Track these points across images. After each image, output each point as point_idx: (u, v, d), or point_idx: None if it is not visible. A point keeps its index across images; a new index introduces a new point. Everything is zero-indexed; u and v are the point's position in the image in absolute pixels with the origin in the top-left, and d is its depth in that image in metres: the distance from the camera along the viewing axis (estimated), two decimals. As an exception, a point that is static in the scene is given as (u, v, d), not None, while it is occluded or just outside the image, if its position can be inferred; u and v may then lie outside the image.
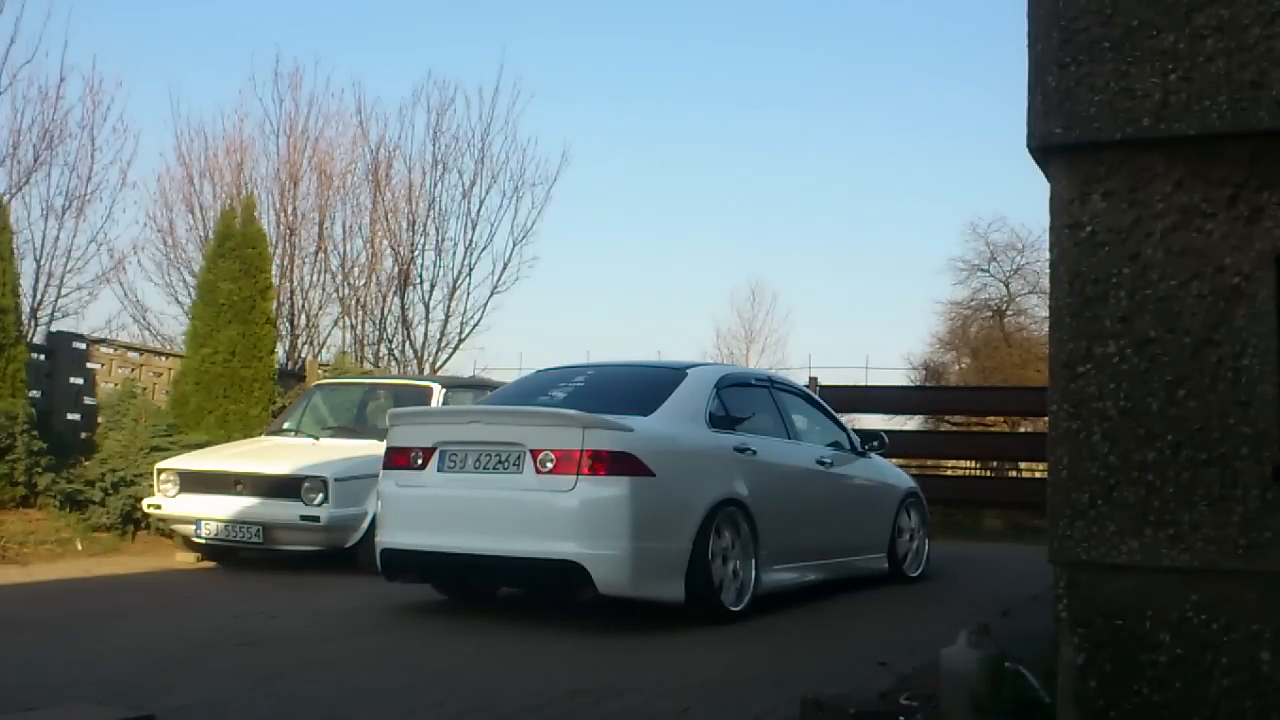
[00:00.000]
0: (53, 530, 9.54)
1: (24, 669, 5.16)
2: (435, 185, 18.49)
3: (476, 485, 6.33)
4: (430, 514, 6.46)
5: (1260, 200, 2.81)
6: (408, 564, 6.66)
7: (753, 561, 6.72)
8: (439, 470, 6.49)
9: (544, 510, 6.10)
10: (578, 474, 6.04)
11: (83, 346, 11.69)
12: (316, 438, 9.58)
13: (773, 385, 7.99)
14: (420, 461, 6.54)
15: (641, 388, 6.97)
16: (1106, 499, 2.89)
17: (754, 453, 6.95)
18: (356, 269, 18.17)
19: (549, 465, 6.13)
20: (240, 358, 11.75)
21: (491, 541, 6.19)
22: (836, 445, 8.14)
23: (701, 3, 50.84)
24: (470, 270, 18.51)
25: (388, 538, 6.63)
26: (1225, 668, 2.79)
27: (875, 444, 8.49)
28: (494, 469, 6.31)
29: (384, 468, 6.78)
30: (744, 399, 7.40)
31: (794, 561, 7.21)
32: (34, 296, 14.02)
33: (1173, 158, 2.87)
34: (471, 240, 18.55)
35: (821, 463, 7.77)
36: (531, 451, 6.17)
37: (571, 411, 6.31)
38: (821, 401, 8.62)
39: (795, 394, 8.30)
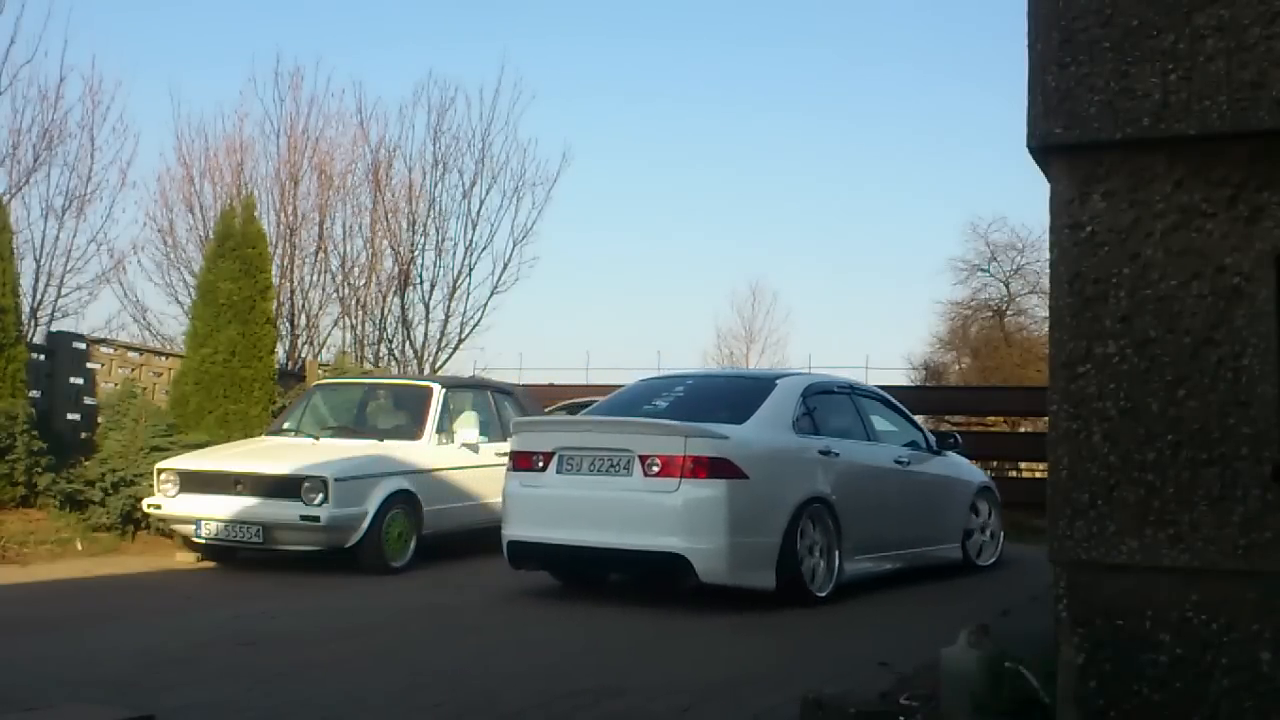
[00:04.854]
0: (53, 530, 9.53)
1: (24, 669, 5.16)
2: (435, 185, 18.44)
3: (591, 486, 7.08)
4: (550, 511, 7.19)
5: (1260, 200, 2.81)
6: (531, 554, 7.43)
7: (836, 553, 7.37)
8: (558, 472, 7.23)
9: (651, 509, 6.83)
10: (681, 477, 6.80)
11: (83, 346, 11.67)
12: (316, 438, 9.57)
13: (854, 391, 8.66)
14: (541, 464, 7.29)
15: (735, 397, 7.67)
16: (1106, 499, 2.89)
17: (837, 455, 7.58)
18: (356, 269, 18.14)
19: (655, 469, 6.87)
20: (240, 358, 11.73)
21: (605, 536, 6.94)
22: (913, 445, 8.65)
23: (701, 3, 50.86)
24: (470, 270, 18.48)
25: (513, 531, 7.36)
26: (1225, 668, 2.79)
27: (950, 442, 9.05)
28: (606, 471, 7.06)
29: (509, 469, 7.55)
30: (827, 405, 8.04)
31: (874, 552, 7.81)
32: (34, 296, 13.99)
33: (1173, 158, 2.87)
34: (472, 240, 18.52)
35: (899, 462, 8.29)
36: (640, 457, 6.93)
37: (675, 422, 7.08)
38: (899, 405, 9.08)
39: (874, 399, 8.89)
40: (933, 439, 8.92)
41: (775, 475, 7.11)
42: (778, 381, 7.87)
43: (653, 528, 6.81)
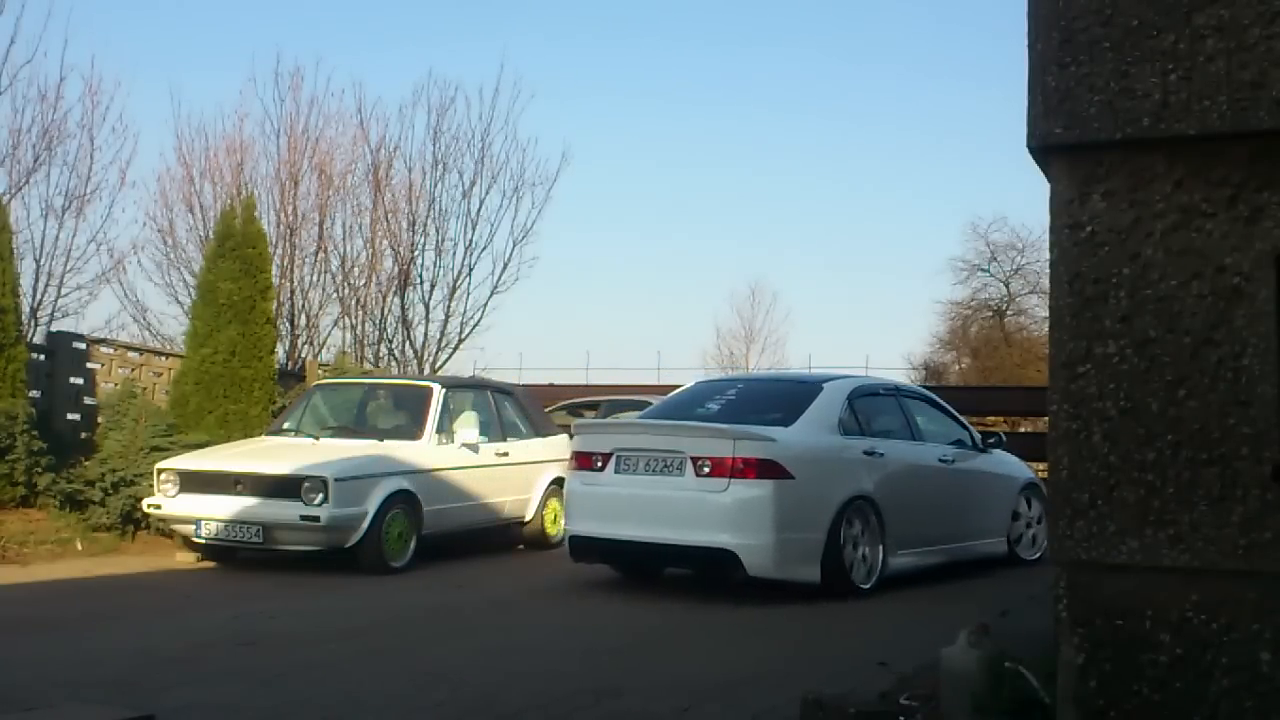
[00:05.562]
0: (53, 530, 9.52)
1: (24, 669, 5.16)
2: (435, 185, 18.45)
3: (646, 485, 7.49)
4: (609, 508, 7.60)
5: (1260, 200, 2.81)
6: (591, 549, 7.85)
7: (880, 548, 7.75)
8: (616, 472, 7.63)
9: (703, 507, 7.22)
10: (730, 477, 7.19)
11: (83, 346, 11.66)
12: (316, 438, 9.57)
13: (899, 393, 9.07)
14: (600, 464, 7.71)
15: (784, 400, 8.01)
16: (1106, 499, 2.89)
17: (881, 455, 7.93)
18: (356, 269, 18.14)
19: (706, 470, 7.25)
20: (240, 358, 11.73)
21: (659, 532, 7.34)
22: (959, 443, 8.95)
23: (701, 3, 50.87)
24: (470, 270, 18.49)
25: (575, 526, 7.82)
26: (1225, 668, 2.78)
27: (993, 440, 9.35)
28: (661, 472, 7.46)
29: (570, 469, 8.03)
30: (873, 407, 8.39)
31: (917, 547, 8.14)
32: (34, 296, 13.98)
33: (1173, 158, 2.87)
34: (471, 240, 18.53)
35: (943, 460, 8.61)
36: (692, 458, 7.31)
37: (724, 426, 7.48)
38: (945, 405, 9.36)
39: (920, 399, 9.27)
40: (978, 437, 9.20)
41: (820, 475, 7.44)
42: (824, 385, 8.18)
43: (704, 525, 7.17)
